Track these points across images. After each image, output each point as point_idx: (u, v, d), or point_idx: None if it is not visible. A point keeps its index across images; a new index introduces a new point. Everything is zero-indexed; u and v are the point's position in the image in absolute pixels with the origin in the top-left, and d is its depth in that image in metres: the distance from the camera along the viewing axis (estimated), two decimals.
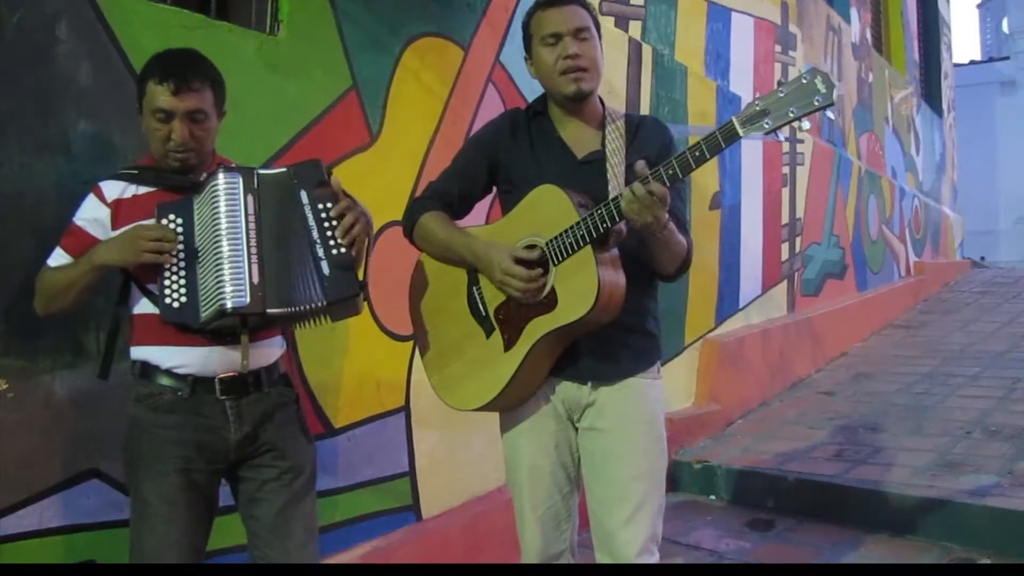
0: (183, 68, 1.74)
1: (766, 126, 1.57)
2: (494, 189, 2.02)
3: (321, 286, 1.71)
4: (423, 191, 2.03)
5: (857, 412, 4.80)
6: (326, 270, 1.71)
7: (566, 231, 1.71)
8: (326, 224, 1.74)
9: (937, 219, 11.18)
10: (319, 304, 1.71)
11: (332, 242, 1.73)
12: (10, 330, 1.88)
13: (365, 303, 1.83)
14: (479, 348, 1.86)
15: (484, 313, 1.86)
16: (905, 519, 3.32)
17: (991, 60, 24.18)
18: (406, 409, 2.88)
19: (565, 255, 1.72)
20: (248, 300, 1.66)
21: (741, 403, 4.91)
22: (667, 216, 1.69)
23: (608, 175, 1.80)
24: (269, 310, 1.68)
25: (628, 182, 1.71)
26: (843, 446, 4.14)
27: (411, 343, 2.88)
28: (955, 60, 15.09)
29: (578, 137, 1.89)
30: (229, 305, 1.65)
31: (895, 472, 3.68)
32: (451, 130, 3.07)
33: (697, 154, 1.59)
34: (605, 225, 1.67)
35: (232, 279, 1.67)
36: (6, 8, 1.89)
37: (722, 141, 1.58)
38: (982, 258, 14.70)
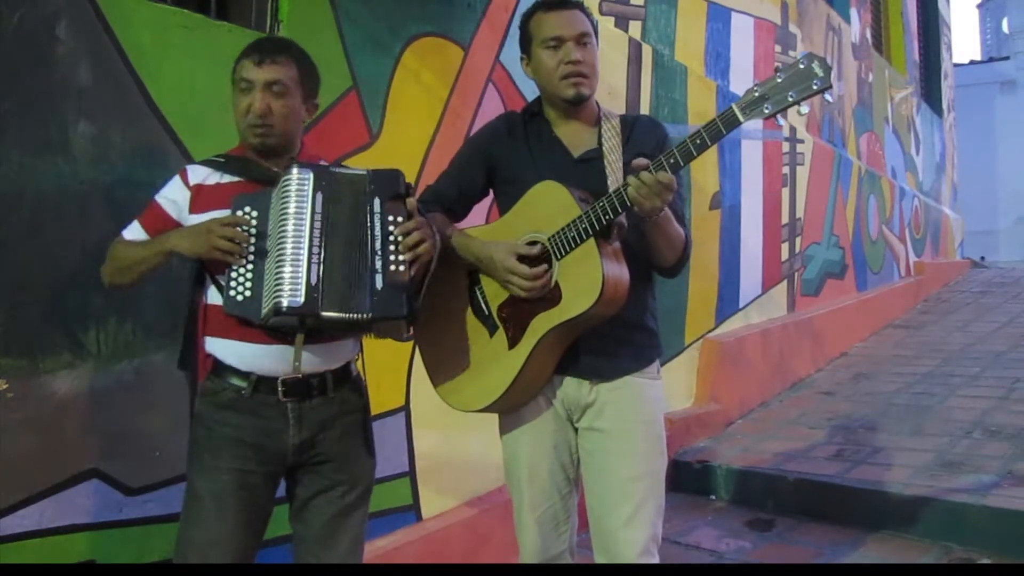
0: (271, 44, 1.80)
1: (766, 111, 1.58)
2: (491, 191, 2.03)
3: (371, 299, 1.67)
4: (421, 194, 2.02)
5: (857, 412, 4.80)
6: (379, 284, 1.68)
7: (568, 225, 1.71)
8: (391, 238, 1.70)
9: (937, 219, 11.18)
10: (365, 316, 1.67)
11: (392, 257, 1.69)
12: (10, 330, 1.88)
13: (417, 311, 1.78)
14: (483, 347, 1.86)
15: (487, 312, 1.86)
16: (905, 519, 3.32)
17: (991, 60, 24.20)
18: (406, 409, 2.88)
19: (568, 249, 1.72)
20: (302, 300, 1.63)
21: (741, 403, 4.91)
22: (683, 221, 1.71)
23: (607, 172, 1.80)
24: (324, 313, 1.65)
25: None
26: (843, 446, 4.14)
27: (411, 343, 2.88)
28: (955, 60, 15.10)
29: (574, 136, 1.90)
30: (284, 303, 1.63)
31: (895, 472, 3.68)
32: (451, 130, 3.08)
33: (698, 142, 1.60)
34: (608, 217, 1.67)
35: (291, 278, 1.64)
36: (6, 8, 1.89)
37: (723, 127, 1.59)
38: (982, 258, 14.69)
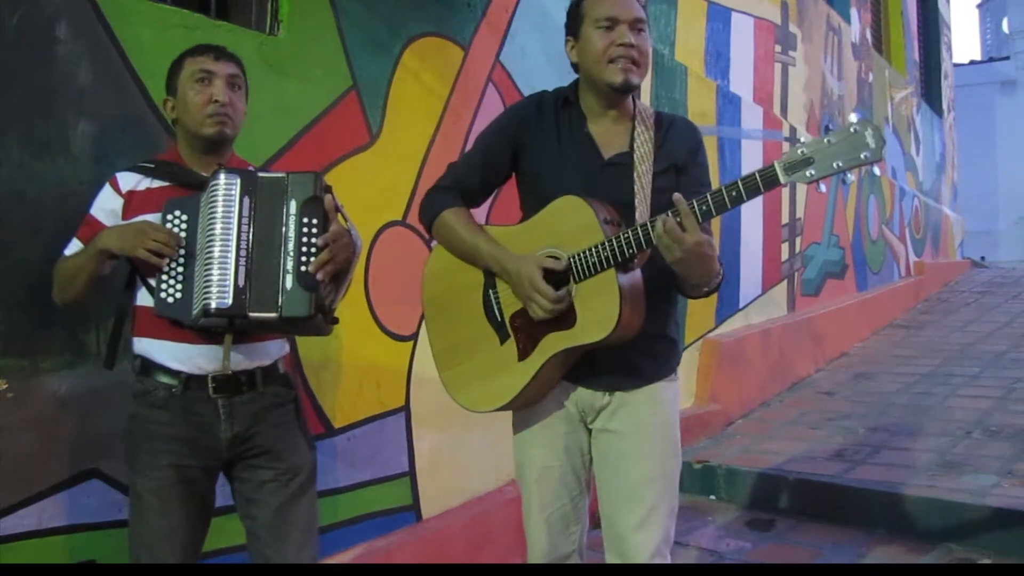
0: (220, 46, 1.88)
1: (809, 175, 1.51)
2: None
3: (280, 298, 1.73)
4: (443, 177, 1.94)
5: (857, 412, 4.80)
6: (288, 284, 1.73)
7: (591, 249, 1.66)
8: (304, 239, 1.75)
9: (937, 219, 11.18)
10: (275, 316, 1.72)
11: (303, 258, 1.74)
12: (10, 330, 1.88)
13: (331, 312, 1.84)
14: (492, 352, 1.83)
15: (500, 319, 1.82)
16: (905, 519, 3.32)
17: (991, 60, 24.18)
18: (406, 409, 2.88)
19: (588, 274, 1.68)
20: (230, 302, 1.69)
21: (741, 403, 4.91)
22: (717, 271, 1.64)
23: (634, 180, 1.75)
24: (251, 313, 1.71)
25: (655, 189, 1.70)
26: (843, 446, 4.14)
27: (411, 343, 2.88)
28: (955, 60, 15.09)
29: (607, 135, 1.82)
30: (213, 305, 1.69)
31: (895, 472, 3.68)
32: (451, 130, 3.07)
33: (734, 194, 1.54)
34: (631, 251, 1.63)
35: (219, 279, 1.70)
36: (6, 8, 1.89)
37: (761, 185, 1.53)
38: (982, 258, 14.70)
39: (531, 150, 1.86)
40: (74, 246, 1.80)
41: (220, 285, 1.69)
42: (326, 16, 2.65)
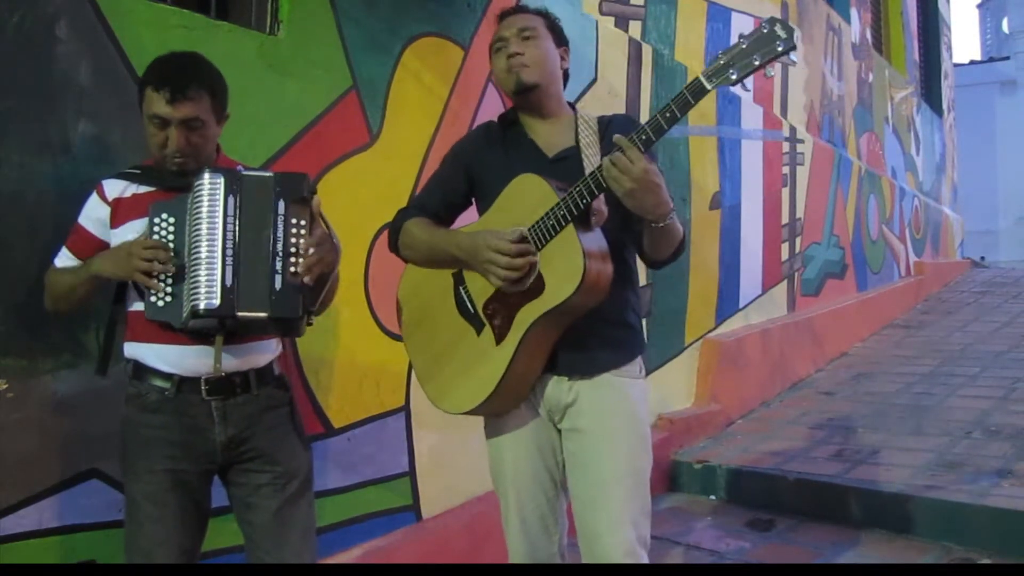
0: (180, 76, 1.74)
1: (732, 77, 1.60)
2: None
3: (270, 299, 1.72)
4: (407, 205, 2.03)
5: (857, 412, 4.80)
6: (278, 284, 1.73)
7: (547, 213, 1.70)
8: (292, 240, 1.75)
9: (937, 219, 11.18)
10: (264, 316, 1.72)
11: (292, 259, 1.74)
12: (10, 330, 1.88)
13: (313, 314, 1.86)
14: (471, 346, 1.84)
15: (473, 310, 1.84)
16: (905, 519, 3.32)
17: (991, 60, 24.17)
18: (406, 409, 2.88)
19: (548, 238, 1.71)
20: (218, 302, 1.68)
21: (741, 403, 4.91)
22: (670, 204, 1.68)
23: (584, 164, 1.79)
24: (239, 313, 1.70)
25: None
26: (843, 446, 4.14)
27: None
28: (955, 60, 15.10)
29: (550, 139, 1.90)
30: (202, 306, 1.68)
31: (895, 472, 3.68)
32: (451, 130, 3.07)
33: (668, 115, 1.61)
34: (584, 201, 1.66)
35: (207, 280, 1.69)
36: (6, 8, 1.89)
37: (691, 98, 1.61)
38: (982, 258, 14.69)
39: (482, 170, 1.95)
40: (64, 256, 1.80)
41: (208, 286, 1.69)
42: (326, 16, 2.65)
